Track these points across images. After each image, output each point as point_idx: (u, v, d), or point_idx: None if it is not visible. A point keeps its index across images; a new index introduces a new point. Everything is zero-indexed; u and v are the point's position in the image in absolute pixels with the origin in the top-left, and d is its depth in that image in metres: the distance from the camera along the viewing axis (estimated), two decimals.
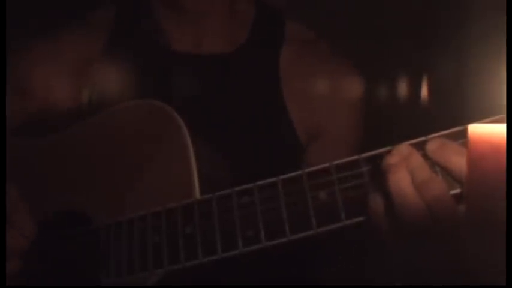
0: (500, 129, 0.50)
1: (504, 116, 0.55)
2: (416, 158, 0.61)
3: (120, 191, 0.75)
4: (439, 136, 0.62)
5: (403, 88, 1.22)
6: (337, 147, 0.94)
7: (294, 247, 0.64)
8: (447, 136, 0.61)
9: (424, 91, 1.20)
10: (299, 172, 0.64)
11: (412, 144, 0.62)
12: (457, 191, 0.60)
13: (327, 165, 0.63)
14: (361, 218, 0.62)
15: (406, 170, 0.60)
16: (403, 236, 0.60)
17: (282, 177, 0.65)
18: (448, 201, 0.59)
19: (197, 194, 0.69)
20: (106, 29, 0.97)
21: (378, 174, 0.61)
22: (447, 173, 0.60)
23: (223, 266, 0.66)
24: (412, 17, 1.25)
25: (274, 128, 0.95)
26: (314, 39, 1.01)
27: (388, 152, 0.62)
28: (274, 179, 0.65)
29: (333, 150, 0.94)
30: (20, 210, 0.71)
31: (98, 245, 0.73)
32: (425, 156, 0.61)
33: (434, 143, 0.61)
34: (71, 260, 0.76)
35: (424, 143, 0.62)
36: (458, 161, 0.60)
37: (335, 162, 0.63)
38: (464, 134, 0.59)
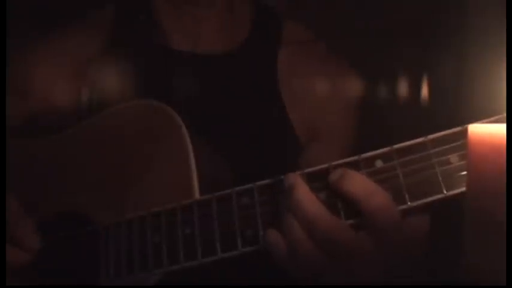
0: (500, 129, 0.50)
1: (504, 115, 0.55)
2: (299, 193, 0.61)
3: (120, 192, 0.75)
4: (344, 163, 0.62)
5: (403, 88, 1.22)
6: (335, 147, 0.94)
7: None
8: (447, 137, 0.61)
9: (424, 91, 1.20)
10: (298, 173, 0.64)
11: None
12: (351, 221, 0.61)
13: (326, 165, 0.63)
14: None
15: (290, 206, 0.60)
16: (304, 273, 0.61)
17: (281, 177, 0.65)
18: (340, 234, 0.60)
19: (197, 194, 0.69)
20: (106, 29, 0.97)
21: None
22: (347, 203, 0.60)
23: (223, 266, 0.66)
24: (412, 17, 1.25)
25: (273, 128, 0.95)
26: (312, 40, 1.01)
27: (388, 153, 0.62)
28: (273, 180, 0.65)
29: (331, 150, 0.94)
30: (22, 225, 0.71)
31: (97, 246, 0.73)
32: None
33: (335, 174, 0.61)
34: (71, 260, 0.76)
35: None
36: (356, 192, 0.60)
37: (334, 163, 0.63)
38: (463, 134, 0.59)
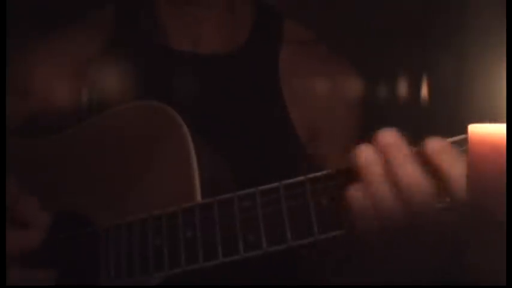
0: (500, 129, 0.50)
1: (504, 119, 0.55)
2: (402, 151, 0.58)
3: (121, 193, 0.75)
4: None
5: (403, 88, 1.22)
6: (336, 147, 0.94)
7: (295, 251, 0.64)
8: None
9: (424, 91, 1.20)
10: (302, 178, 0.63)
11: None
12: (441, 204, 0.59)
13: (329, 170, 0.63)
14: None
15: (380, 166, 0.58)
16: (381, 236, 0.59)
17: (284, 182, 0.64)
18: (433, 206, 0.57)
19: (198, 197, 0.69)
20: (106, 29, 0.97)
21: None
22: (444, 180, 0.57)
23: (223, 269, 0.66)
24: (412, 17, 1.25)
25: (275, 128, 0.95)
26: (313, 40, 1.01)
27: None
28: (276, 184, 0.65)
29: (332, 150, 0.94)
30: (22, 203, 0.69)
31: (98, 248, 0.73)
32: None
33: (435, 143, 0.58)
34: (71, 262, 0.76)
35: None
36: (458, 169, 0.57)
37: (338, 168, 0.63)
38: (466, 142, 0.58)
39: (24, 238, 0.68)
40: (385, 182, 0.57)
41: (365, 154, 0.58)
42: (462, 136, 0.60)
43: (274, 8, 1.03)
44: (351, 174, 0.62)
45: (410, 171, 0.57)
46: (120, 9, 0.99)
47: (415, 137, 0.62)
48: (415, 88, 1.21)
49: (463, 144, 0.59)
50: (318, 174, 0.63)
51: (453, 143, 0.60)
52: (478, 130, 0.51)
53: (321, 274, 0.79)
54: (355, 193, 0.59)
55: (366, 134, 0.97)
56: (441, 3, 1.23)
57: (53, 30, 0.99)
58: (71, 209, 0.78)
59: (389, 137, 0.59)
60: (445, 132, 0.62)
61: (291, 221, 0.63)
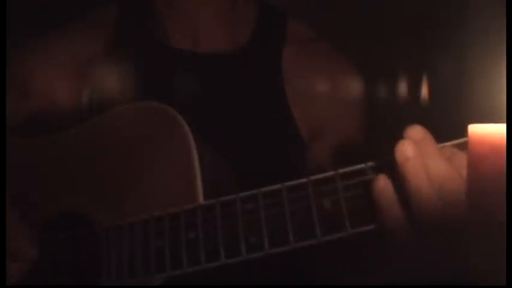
0: (500, 129, 0.50)
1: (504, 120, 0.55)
2: (431, 145, 0.59)
3: (122, 194, 0.75)
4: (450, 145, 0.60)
5: (403, 88, 1.22)
6: (340, 147, 0.94)
7: (297, 253, 0.64)
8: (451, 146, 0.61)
9: (424, 91, 1.20)
10: (304, 179, 0.63)
11: None
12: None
13: (332, 173, 0.63)
14: (366, 227, 0.61)
15: (421, 159, 0.58)
16: (412, 228, 0.59)
17: (286, 184, 0.64)
18: (462, 199, 0.57)
19: (200, 197, 0.69)
20: (108, 29, 0.97)
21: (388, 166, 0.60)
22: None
23: (225, 271, 0.66)
24: (412, 17, 1.25)
25: (277, 128, 0.94)
26: (316, 39, 1.01)
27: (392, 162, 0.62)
28: (278, 186, 0.64)
29: (336, 150, 0.94)
30: (17, 237, 0.71)
31: (99, 248, 0.72)
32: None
33: (416, 134, 0.60)
34: (71, 262, 0.76)
35: None
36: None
37: (341, 171, 0.62)
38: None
39: (13, 269, 0.70)
40: (425, 175, 0.58)
41: (406, 149, 0.59)
42: (462, 139, 0.60)
43: (277, 7, 1.02)
44: (353, 175, 0.62)
45: (439, 164, 0.58)
46: (122, 9, 0.99)
47: None
48: (415, 88, 1.21)
49: (463, 147, 0.59)
50: (321, 176, 0.63)
51: (453, 145, 0.60)
52: (478, 130, 0.51)
53: (334, 273, 0.79)
54: (384, 187, 0.59)
55: (366, 135, 0.97)
56: (441, 4, 1.24)
57: (54, 30, 0.99)
58: (71, 209, 0.78)
59: (418, 132, 0.60)
60: (445, 132, 0.62)
61: (293, 222, 0.63)
